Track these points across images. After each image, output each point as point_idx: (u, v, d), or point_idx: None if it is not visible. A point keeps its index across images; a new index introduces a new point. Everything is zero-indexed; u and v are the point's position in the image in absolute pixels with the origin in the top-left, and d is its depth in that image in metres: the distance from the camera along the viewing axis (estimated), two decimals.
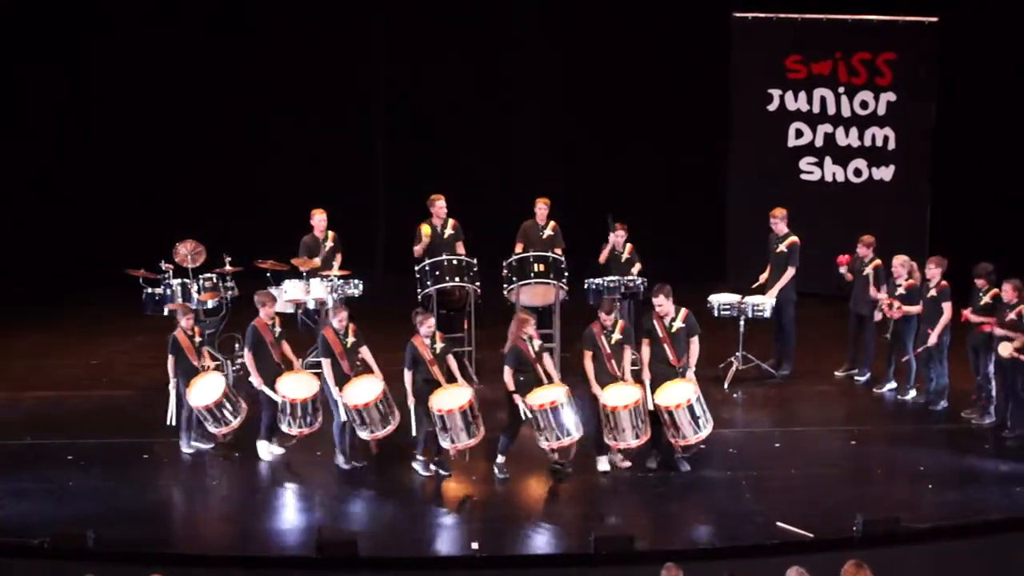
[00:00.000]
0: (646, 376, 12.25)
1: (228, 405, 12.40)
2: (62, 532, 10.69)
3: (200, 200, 17.56)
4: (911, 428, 13.52)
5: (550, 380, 12.19)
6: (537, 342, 12.30)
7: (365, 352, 12.40)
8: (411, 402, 12.08)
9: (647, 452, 12.30)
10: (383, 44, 18.07)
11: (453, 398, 11.99)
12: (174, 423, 12.67)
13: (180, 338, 12.58)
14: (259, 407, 12.57)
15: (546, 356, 12.35)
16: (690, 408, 11.95)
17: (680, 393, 12.06)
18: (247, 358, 12.51)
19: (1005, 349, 12.46)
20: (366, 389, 12.13)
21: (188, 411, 12.54)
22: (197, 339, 12.70)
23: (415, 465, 12.24)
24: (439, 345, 12.26)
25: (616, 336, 12.27)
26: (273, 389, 12.34)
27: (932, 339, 13.40)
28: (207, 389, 12.40)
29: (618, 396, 12.01)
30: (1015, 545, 11.00)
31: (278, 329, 12.65)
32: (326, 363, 12.25)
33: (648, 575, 9.48)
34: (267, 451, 12.57)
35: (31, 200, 18.02)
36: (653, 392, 12.12)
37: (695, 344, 12.42)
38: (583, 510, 11.81)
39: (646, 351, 12.32)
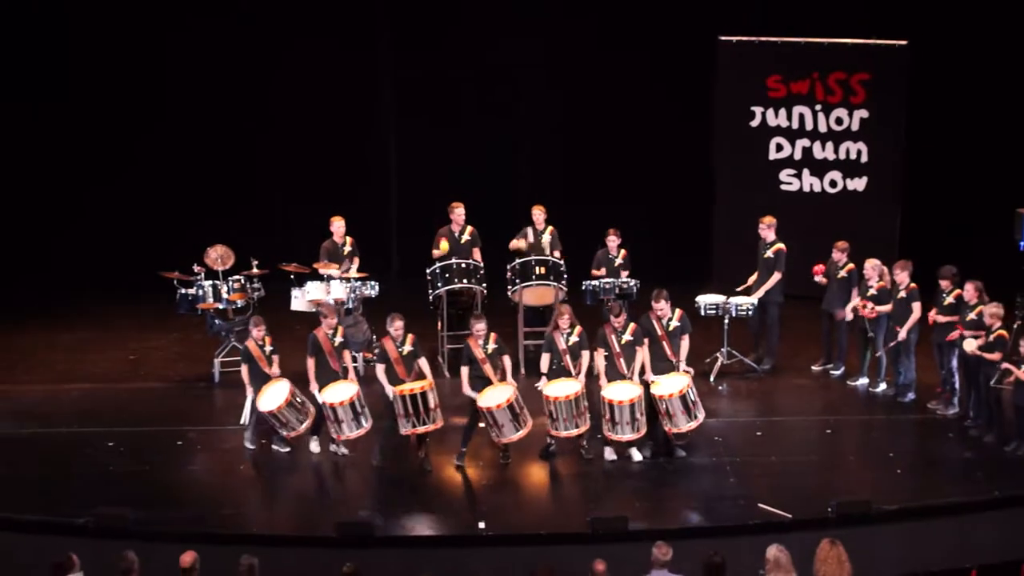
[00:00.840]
0: (648, 375, 12.33)
1: (293, 410, 12.20)
2: (104, 512, 10.79)
3: (226, 208, 17.53)
4: (882, 418, 13.57)
5: (577, 374, 12.22)
6: (574, 338, 12.27)
7: (422, 363, 12.29)
8: (467, 390, 12.12)
9: (643, 443, 12.36)
10: (391, 62, 18.06)
11: (497, 395, 11.98)
12: (245, 422, 12.61)
13: (252, 348, 12.43)
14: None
15: (584, 354, 12.28)
16: (683, 397, 12.02)
17: (675, 384, 12.15)
18: (308, 365, 12.39)
19: (970, 345, 12.52)
20: (413, 384, 12.05)
21: (260, 415, 12.40)
22: (267, 348, 12.51)
23: (455, 458, 12.26)
24: (491, 346, 12.23)
25: (626, 337, 12.33)
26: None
27: (902, 335, 13.48)
28: (273, 395, 12.22)
29: (619, 392, 12.07)
30: (976, 525, 11.11)
31: (338, 339, 12.47)
32: (380, 368, 12.19)
33: (641, 552, 9.56)
34: (316, 446, 12.48)
35: (72, 209, 18.01)
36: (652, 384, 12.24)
37: (685, 341, 12.56)
38: (581, 493, 11.89)
39: (645, 350, 12.40)
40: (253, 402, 12.42)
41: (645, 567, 9.36)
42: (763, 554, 9.18)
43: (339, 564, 9.30)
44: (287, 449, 12.49)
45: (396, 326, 12.20)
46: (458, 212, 14.83)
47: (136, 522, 10.71)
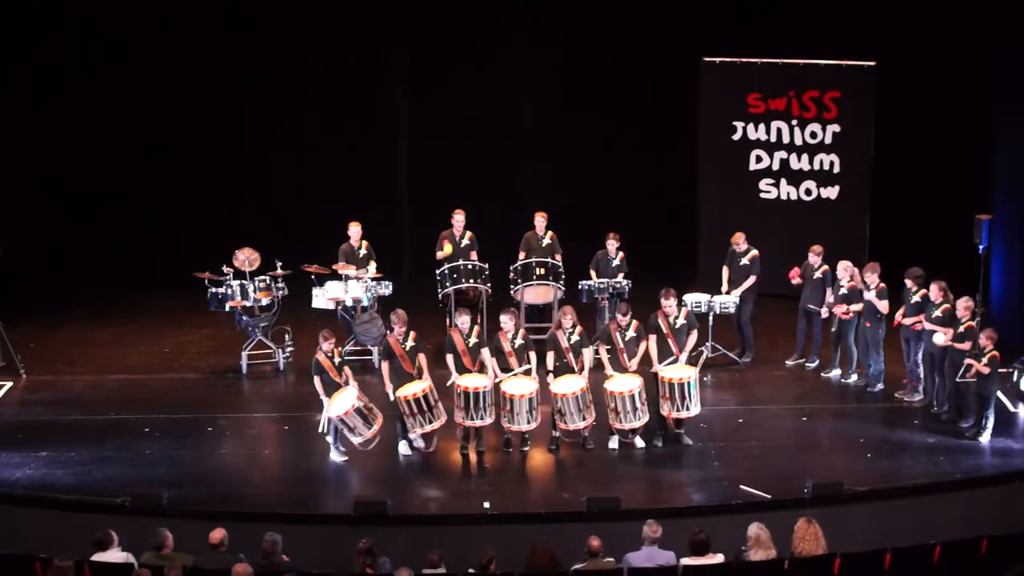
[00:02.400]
0: (656, 366, 12.22)
1: (360, 415, 11.71)
2: (140, 492, 10.76)
3: (253, 214, 17.43)
4: (853, 406, 13.51)
5: (581, 371, 12.08)
6: (575, 337, 12.13)
7: (484, 353, 12.11)
8: (498, 372, 12.02)
9: (654, 433, 12.26)
10: (402, 79, 17.96)
11: (520, 386, 11.89)
12: (324, 431, 12.09)
13: (322, 360, 11.94)
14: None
15: (586, 351, 12.12)
16: (688, 385, 11.95)
17: (684, 371, 12.09)
18: (383, 368, 12.12)
19: (939, 339, 12.46)
20: (476, 380, 11.88)
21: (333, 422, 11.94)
22: (337, 359, 12.05)
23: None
24: (519, 341, 12.09)
25: (630, 334, 12.23)
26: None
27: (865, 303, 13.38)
28: (342, 401, 11.82)
29: (620, 383, 11.98)
30: (939, 505, 11.07)
31: (410, 343, 12.05)
32: (450, 358, 12.05)
33: (632, 530, 9.52)
34: (405, 448, 12.09)
35: (112, 214, 17.90)
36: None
37: (693, 336, 12.50)
38: (578, 476, 11.82)
39: (653, 345, 12.31)
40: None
41: (637, 543, 9.32)
42: (745, 531, 9.16)
43: (356, 540, 9.26)
44: (344, 459, 11.96)
45: (463, 320, 12.04)
46: (457, 219, 14.82)
47: (170, 501, 10.66)
